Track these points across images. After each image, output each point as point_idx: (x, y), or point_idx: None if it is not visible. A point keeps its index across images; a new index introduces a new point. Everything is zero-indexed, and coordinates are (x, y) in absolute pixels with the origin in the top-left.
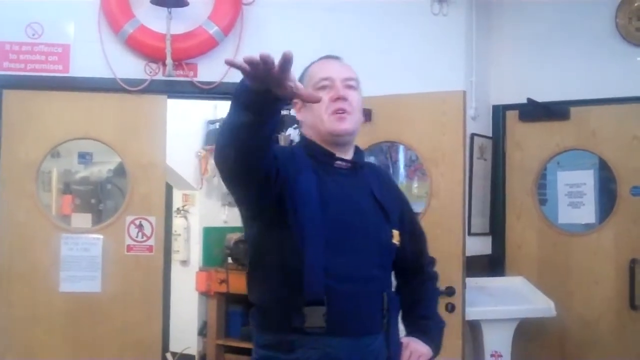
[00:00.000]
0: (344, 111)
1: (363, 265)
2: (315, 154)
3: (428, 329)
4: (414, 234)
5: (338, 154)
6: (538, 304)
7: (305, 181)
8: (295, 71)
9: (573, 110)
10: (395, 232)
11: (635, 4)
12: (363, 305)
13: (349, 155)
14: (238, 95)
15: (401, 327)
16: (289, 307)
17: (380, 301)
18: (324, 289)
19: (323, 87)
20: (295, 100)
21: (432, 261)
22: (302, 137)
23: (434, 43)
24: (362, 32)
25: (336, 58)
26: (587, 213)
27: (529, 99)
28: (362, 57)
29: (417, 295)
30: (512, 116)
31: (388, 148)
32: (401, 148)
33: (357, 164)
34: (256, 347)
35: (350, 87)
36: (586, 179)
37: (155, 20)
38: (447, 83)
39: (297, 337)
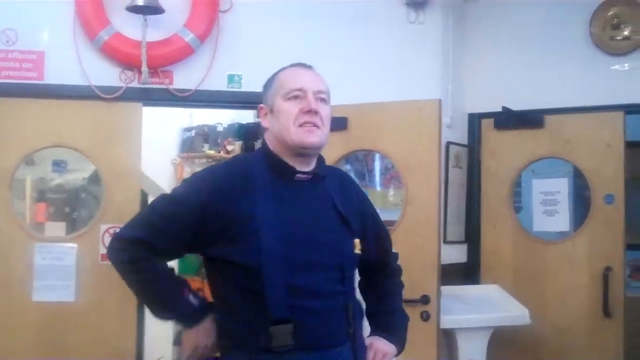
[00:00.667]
0: (313, 125)
1: (326, 281)
2: (274, 167)
3: (392, 325)
4: (378, 235)
5: (300, 165)
6: (513, 312)
7: (262, 201)
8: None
9: (547, 118)
10: (357, 242)
11: (609, 13)
12: (329, 319)
13: (311, 166)
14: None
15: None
16: (255, 327)
17: (345, 313)
18: (288, 307)
19: (295, 97)
20: (260, 106)
21: (396, 256)
22: (264, 147)
23: (410, 51)
24: (339, 40)
25: (308, 67)
26: (561, 221)
27: (504, 108)
28: (339, 65)
29: (381, 291)
30: (487, 124)
31: (364, 156)
32: (377, 156)
33: (318, 175)
34: None
35: (321, 100)
36: (561, 187)
37: (130, 27)
38: (423, 91)
39: (267, 356)
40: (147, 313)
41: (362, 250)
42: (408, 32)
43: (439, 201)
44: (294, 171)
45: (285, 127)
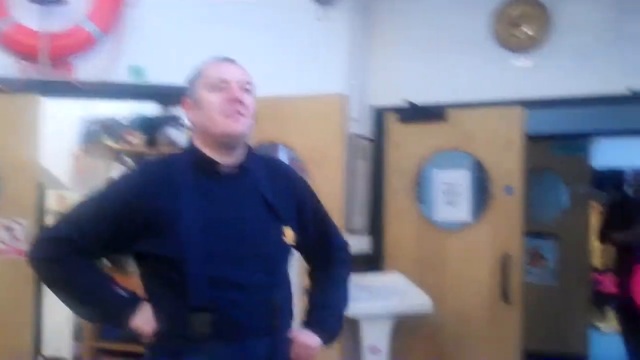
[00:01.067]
0: (238, 113)
1: (250, 272)
2: (198, 162)
3: (320, 318)
4: (317, 221)
5: (226, 157)
6: (415, 300)
7: (185, 196)
8: (175, 71)
9: (450, 112)
10: (288, 231)
11: (512, 11)
12: (250, 310)
13: (236, 157)
14: (109, 314)
15: None
16: (178, 317)
17: (268, 305)
18: (209, 297)
19: (219, 88)
20: (185, 99)
21: (343, 245)
22: (189, 142)
23: (318, 46)
24: (247, 34)
25: (232, 61)
26: (462, 211)
27: (408, 101)
28: (247, 59)
29: (320, 283)
30: (392, 118)
31: (271, 149)
32: (283, 149)
33: (244, 166)
34: (146, 350)
35: (245, 90)
36: (462, 179)
37: (30, 17)
38: (330, 86)
39: (185, 343)
40: (47, 307)
41: (299, 238)
42: (316, 28)
43: (343, 193)
44: (216, 164)
45: (209, 117)
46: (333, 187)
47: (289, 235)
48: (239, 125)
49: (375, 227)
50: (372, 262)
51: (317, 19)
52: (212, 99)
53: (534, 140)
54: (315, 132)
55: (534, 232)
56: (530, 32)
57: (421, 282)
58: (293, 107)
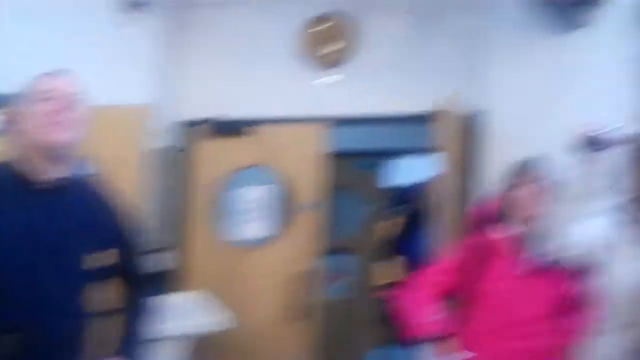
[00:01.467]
0: (61, 124)
1: (55, 295)
2: (12, 176)
3: (124, 347)
4: (122, 246)
5: (49, 169)
6: (214, 318)
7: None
8: None
9: (256, 128)
10: (98, 255)
11: (320, 27)
12: (56, 333)
13: (59, 172)
14: None
15: None
16: None
17: (74, 329)
18: (17, 318)
19: (45, 99)
20: (9, 109)
21: (144, 274)
22: (12, 154)
23: (124, 55)
24: (52, 40)
25: (62, 73)
26: (263, 228)
27: (215, 116)
28: (51, 66)
29: (126, 313)
30: (197, 132)
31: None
32: (82, 162)
33: (62, 184)
34: None
35: (71, 102)
36: (264, 195)
37: None
38: (134, 96)
39: None
40: None
41: (111, 262)
42: (122, 36)
43: (144, 209)
44: (30, 179)
45: (34, 127)
46: (131, 202)
47: (97, 259)
48: (61, 135)
49: (177, 244)
50: (173, 279)
51: (124, 26)
52: (38, 109)
53: (339, 157)
54: (117, 145)
55: (334, 248)
56: (337, 50)
57: (221, 300)
58: (94, 117)
